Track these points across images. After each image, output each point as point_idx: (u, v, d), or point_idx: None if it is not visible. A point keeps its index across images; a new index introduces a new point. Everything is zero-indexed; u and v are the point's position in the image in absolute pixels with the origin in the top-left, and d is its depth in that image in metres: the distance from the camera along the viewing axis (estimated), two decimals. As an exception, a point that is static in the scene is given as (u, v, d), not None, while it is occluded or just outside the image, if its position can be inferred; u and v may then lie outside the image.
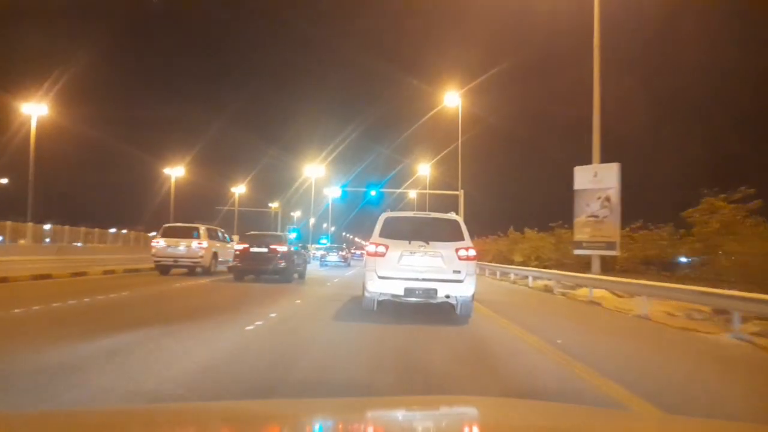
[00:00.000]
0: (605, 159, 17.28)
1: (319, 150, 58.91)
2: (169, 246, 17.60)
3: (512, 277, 22.57)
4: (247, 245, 16.84)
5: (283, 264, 16.45)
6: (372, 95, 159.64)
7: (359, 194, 35.50)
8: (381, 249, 9.00)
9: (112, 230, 40.88)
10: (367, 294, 9.31)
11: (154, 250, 17.90)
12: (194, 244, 17.74)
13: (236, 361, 5.35)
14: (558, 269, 19.10)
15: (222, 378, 4.61)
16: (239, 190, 65.10)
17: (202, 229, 18.55)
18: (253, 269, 16.63)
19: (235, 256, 16.87)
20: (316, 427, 1.92)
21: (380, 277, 8.88)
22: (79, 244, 34.83)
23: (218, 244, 19.31)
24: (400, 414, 2.20)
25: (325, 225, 72.16)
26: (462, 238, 9.08)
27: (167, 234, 18.00)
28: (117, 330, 6.56)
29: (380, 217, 9.54)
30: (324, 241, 56.30)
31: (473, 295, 9.07)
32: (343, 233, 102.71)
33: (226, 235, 21.11)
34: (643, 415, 3.85)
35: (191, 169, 53.93)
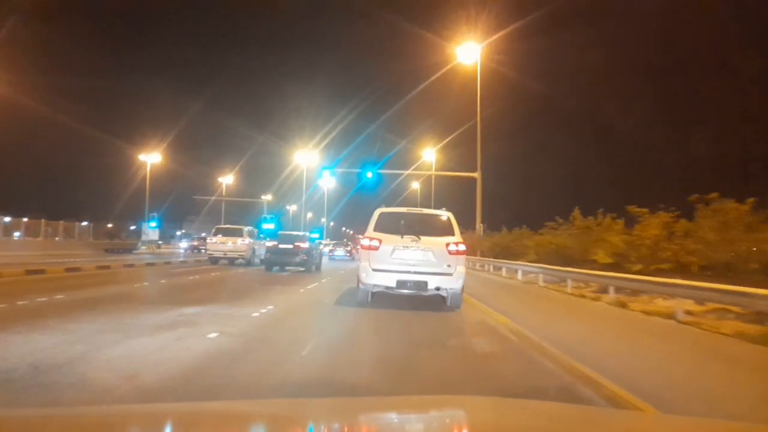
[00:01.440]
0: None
1: (311, 135, 53.87)
2: (219, 242, 23.65)
3: (612, 293, 13.02)
4: (276, 242, 22.44)
5: (305, 258, 21.74)
6: (374, 66, 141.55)
7: (354, 179, 31.03)
8: (374, 243, 9.45)
9: (84, 223, 37.74)
10: (361, 286, 9.73)
11: (208, 245, 24.08)
12: (239, 241, 23.70)
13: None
14: (711, 280, 10.93)
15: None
16: (227, 180, 60.09)
17: (245, 229, 24.65)
18: (281, 262, 21.83)
19: (267, 251, 22.61)
20: (310, 428, 1.99)
21: (374, 270, 9.39)
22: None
23: (256, 242, 25.23)
24: (394, 415, 2.23)
25: (323, 219, 69.98)
26: (453, 234, 9.56)
27: (219, 233, 24.18)
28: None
29: (375, 213, 10.04)
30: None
31: (462, 288, 9.61)
32: (343, 228, 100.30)
33: (261, 235, 27.33)
34: (641, 414, 3.82)
35: (169, 155, 48.78)
